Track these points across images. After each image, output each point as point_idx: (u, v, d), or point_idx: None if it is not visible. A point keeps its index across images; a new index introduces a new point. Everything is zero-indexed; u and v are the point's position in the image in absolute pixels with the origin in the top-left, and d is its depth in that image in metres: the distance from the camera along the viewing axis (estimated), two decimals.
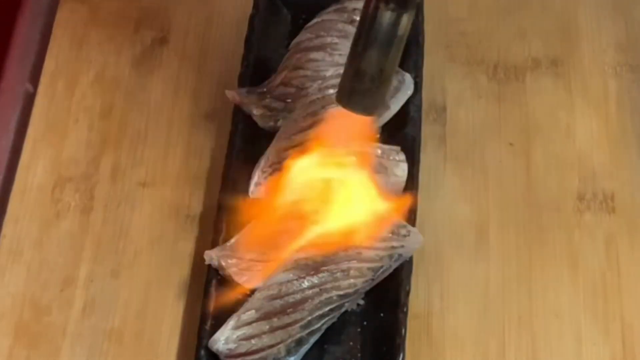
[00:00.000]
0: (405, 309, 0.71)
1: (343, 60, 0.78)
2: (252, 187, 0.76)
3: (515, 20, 0.87)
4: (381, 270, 0.72)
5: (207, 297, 0.72)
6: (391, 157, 0.77)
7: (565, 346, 0.73)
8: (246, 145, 0.78)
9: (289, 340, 0.70)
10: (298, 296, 0.71)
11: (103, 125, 0.82)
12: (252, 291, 0.72)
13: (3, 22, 0.84)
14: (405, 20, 0.63)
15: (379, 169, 0.76)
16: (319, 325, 0.71)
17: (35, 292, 0.75)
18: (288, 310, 0.71)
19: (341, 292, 0.71)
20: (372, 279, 0.72)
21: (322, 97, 0.78)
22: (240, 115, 0.79)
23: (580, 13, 0.87)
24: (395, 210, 0.74)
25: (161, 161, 0.81)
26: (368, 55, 0.64)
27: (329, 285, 0.71)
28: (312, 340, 0.71)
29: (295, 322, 0.70)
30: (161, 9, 0.88)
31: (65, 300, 0.75)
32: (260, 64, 0.82)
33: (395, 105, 0.79)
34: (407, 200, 0.75)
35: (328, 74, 0.79)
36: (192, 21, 0.87)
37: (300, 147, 0.75)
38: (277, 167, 0.76)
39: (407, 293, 0.72)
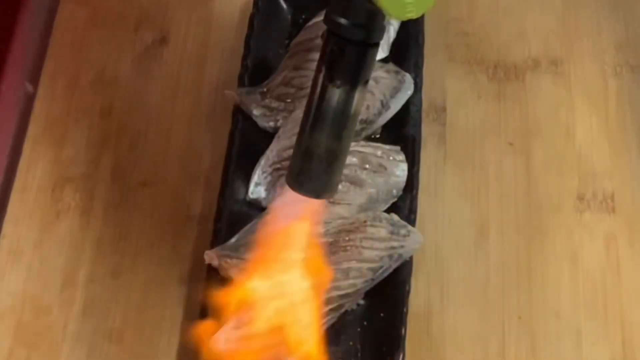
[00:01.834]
0: (405, 309, 0.71)
1: None
2: (252, 187, 0.76)
3: (515, 20, 0.87)
4: (381, 270, 0.72)
5: (207, 297, 0.72)
6: (391, 157, 0.77)
7: (565, 346, 0.73)
8: (246, 145, 0.78)
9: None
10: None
11: (103, 125, 0.82)
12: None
13: (3, 22, 0.84)
14: (356, 97, 0.59)
15: (379, 169, 0.76)
16: None
17: (35, 292, 0.75)
18: None
19: (341, 292, 0.71)
20: (372, 279, 0.72)
21: None
22: (240, 115, 0.79)
23: (580, 13, 0.87)
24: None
25: (161, 161, 0.81)
26: (316, 135, 0.60)
27: (329, 285, 0.71)
28: None
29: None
30: (161, 9, 0.88)
31: (65, 300, 0.75)
32: (260, 64, 0.82)
33: (395, 105, 0.79)
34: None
35: None
36: (192, 21, 0.87)
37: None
38: (277, 167, 0.76)
39: (407, 293, 0.72)
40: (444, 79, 0.84)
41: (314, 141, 0.60)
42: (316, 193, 0.62)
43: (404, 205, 0.76)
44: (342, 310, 0.72)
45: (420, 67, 0.81)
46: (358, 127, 0.76)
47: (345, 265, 0.72)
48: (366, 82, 0.60)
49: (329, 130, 0.60)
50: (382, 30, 0.60)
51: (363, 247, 0.72)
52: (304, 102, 0.77)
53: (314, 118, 0.60)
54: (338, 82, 0.59)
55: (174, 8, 0.88)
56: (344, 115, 0.60)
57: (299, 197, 0.62)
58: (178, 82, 0.84)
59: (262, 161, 0.77)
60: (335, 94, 0.59)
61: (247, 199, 0.76)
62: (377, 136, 0.79)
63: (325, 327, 0.71)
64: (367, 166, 0.76)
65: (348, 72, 0.59)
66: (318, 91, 0.59)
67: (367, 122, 0.78)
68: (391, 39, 0.81)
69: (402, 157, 0.77)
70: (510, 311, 0.74)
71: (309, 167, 0.61)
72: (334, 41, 0.59)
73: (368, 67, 0.60)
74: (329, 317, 0.71)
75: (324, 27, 0.81)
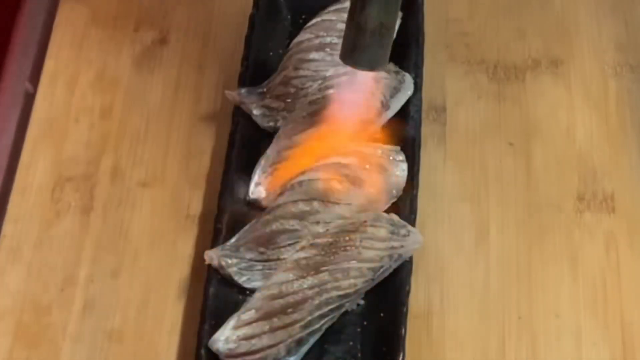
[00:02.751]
0: (405, 309, 0.71)
1: None
2: (252, 187, 0.76)
3: (515, 20, 0.87)
4: (381, 270, 0.72)
5: (207, 297, 0.72)
6: (391, 157, 0.77)
7: (565, 346, 0.73)
8: (246, 145, 0.78)
9: (289, 340, 0.70)
10: (298, 296, 0.71)
11: (103, 125, 0.82)
12: (252, 291, 0.72)
13: (3, 22, 0.84)
14: None
15: (379, 169, 0.76)
16: (319, 325, 0.71)
17: (35, 292, 0.75)
18: (288, 310, 0.71)
19: (341, 292, 0.71)
20: (372, 279, 0.72)
21: (322, 97, 0.78)
22: (240, 115, 0.79)
23: (580, 13, 0.87)
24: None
25: (161, 161, 0.81)
26: (367, 10, 0.64)
27: (329, 285, 0.71)
28: (312, 340, 0.71)
29: (295, 322, 0.70)
30: (161, 9, 0.88)
31: (65, 300, 0.75)
32: (260, 64, 0.82)
33: (395, 105, 0.79)
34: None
35: (328, 74, 0.79)
36: (192, 21, 0.87)
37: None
38: (277, 167, 0.76)
39: (407, 293, 0.72)
40: (444, 79, 0.84)
41: (365, 16, 0.65)
42: (371, 66, 0.68)
43: (404, 205, 0.76)
44: (342, 310, 0.72)
45: (420, 67, 0.81)
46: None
47: (345, 265, 0.72)
48: None
49: (378, 3, 0.64)
50: None
51: (363, 247, 0.72)
52: (304, 102, 0.78)
53: None
54: None
55: (174, 8, 0.88)
56: None
57: (354, 72, 0.69)
58: (178, 82, 0.84)
59: (262, 161, 0.77)
60: None
61: (247, 199, 0.76)
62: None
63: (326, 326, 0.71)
64: (367, 166, 0.76)
65: None
66: None
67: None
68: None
69: (402, 157, 0.77)
70: (510, 311, 0.74)
71: (362, 42, 0.66)
72: None
73: None
74: (329, 317, 0.71)
75: (324, 26, 0.82)
